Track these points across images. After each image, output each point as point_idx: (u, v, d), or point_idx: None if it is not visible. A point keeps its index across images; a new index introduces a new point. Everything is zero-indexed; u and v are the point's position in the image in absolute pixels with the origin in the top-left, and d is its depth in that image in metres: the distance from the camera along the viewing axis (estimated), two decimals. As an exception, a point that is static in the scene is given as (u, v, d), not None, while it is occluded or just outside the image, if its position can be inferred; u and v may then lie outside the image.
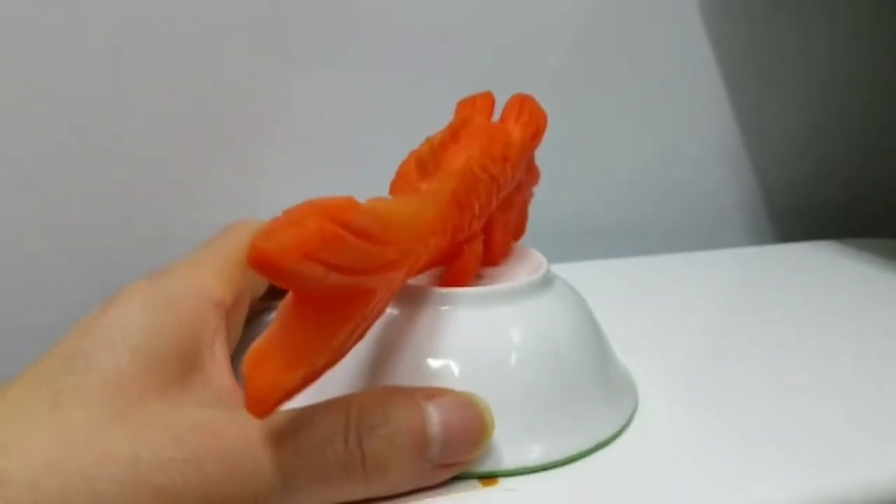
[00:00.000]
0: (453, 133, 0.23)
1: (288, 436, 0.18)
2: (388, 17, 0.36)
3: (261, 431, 0.18)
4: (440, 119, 0.24)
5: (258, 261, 0.15)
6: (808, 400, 0.25)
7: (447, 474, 0.20)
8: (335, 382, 0.20)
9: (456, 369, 0.21)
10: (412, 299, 0.22)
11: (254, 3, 0.34)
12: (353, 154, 0.36)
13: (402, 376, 0.21)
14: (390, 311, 0.22)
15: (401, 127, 0.28)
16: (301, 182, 0.36)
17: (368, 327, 0.19)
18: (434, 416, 0.19)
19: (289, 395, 0.16)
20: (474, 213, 0.23)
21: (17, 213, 0.33)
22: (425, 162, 0.22)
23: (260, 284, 0.25)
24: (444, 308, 0.22)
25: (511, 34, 0.38)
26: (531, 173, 0.28)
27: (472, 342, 0.22)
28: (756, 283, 0.39)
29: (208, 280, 0.22)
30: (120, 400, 0.18)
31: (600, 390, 0.23)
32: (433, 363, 0.21)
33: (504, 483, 0.21)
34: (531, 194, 0.29)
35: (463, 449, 0.20)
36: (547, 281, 0.24)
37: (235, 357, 0.23)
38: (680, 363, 0.28)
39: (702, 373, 0.27)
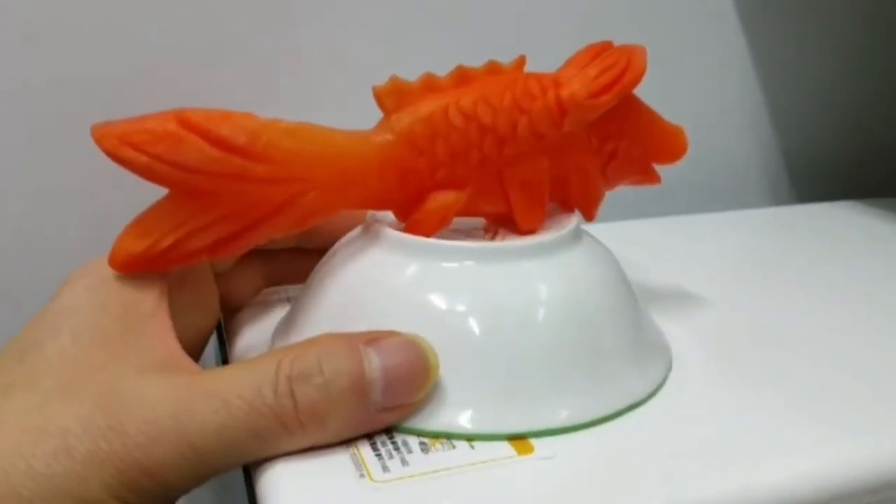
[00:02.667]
0: (461, 76, 0.22)
1: (216, 392, 0.18)
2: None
3: (189, 391, 0.18)
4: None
5: (93, 137, 0.19)
6: (840, 360, 0.25)
7: (392, 418, 0.20)
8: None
9: (477, 327, 0.21)
10: (427, 253, 0.21)
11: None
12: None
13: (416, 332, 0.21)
14: (400, 262, 0.22)
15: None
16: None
17: (248, 240, 0.21)
18: (374, 359, 0.19)
19: (132, 260, 0.20)
20: (439, 160, 0.21)
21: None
22: (393, 97, 0.21)
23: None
24: (466, 263, 0.21)
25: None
26: (624, 139, 0.23)
27: (496, 298, 0.21)
28: (780, 244, 0.39)
29: None
30: (64, 380, 0.18)
31: (632, 348, 0.23)
32: (450, 320, 0.21)
33: (538, 449, 0.20)
34: (632, 165, 0.24)
35: (406, 391, 0.20)
36: (575, 236, 0.23)
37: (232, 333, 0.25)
38: (710, 324, 0.27)
39: (732, 334, 0.27)
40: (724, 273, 0.34)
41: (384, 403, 0.19)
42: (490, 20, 0.38)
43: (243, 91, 0.34)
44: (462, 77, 0.22)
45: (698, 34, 0.43)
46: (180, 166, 0.19)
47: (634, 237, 0.35)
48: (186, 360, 0.20)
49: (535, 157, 0.22)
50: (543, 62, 0.23)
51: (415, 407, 0.20)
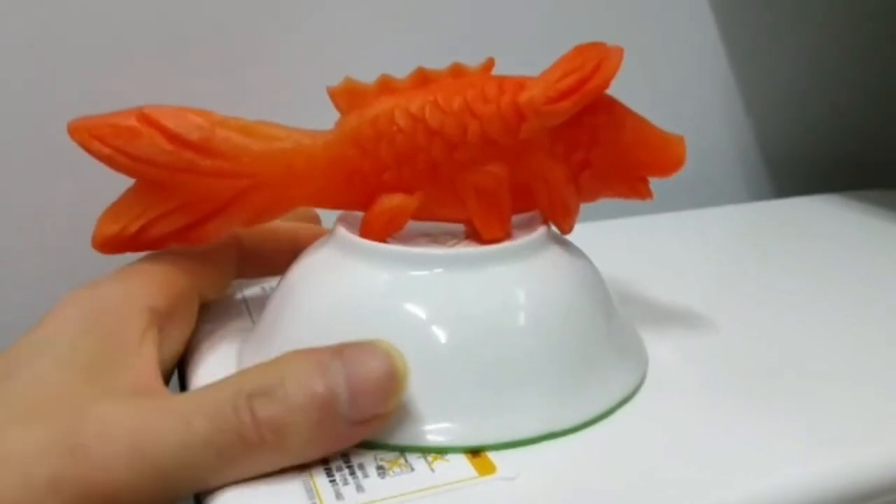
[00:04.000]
0: (420, 78, 0.21)
1: (178, 411, 0.18)
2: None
3: (151, 411, 0.18)
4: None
5: (68, 130, 0.21)
6: (819, 356, 0.25)
7: (364, 432, 0.19)
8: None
9: (446, 336, 0.20)
10: (395, 262, 0.21)
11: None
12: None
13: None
14: (367, 271, 0.21)
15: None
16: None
17: (208, 231, 0.22)
18: (338, 371, 0.18)
19: (107, 241, 0.22)
20: (385, 162, 0.21)
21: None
22: (347, 98, 0.21)
23: (211, 286, 0.24)
24: (436, 270, 0.21)
25: None
26: (597, 147, 0.21)
27: (466, 306, 0.20)
28: (758, 239, 0.39)
29: (143, 288, 0.21)
30: (33, 405, 0.18)
31: (605, 354, 0.22)
32: (421, 330, 0.20)
33: (501, 469, 0.19)
34: (612, 177, 0.22)
35: (375, 401, 0.19)
36: (546, 241, 0.22)
37: (192, 358, 0.24)
38: (687, 322, 0.27)
39: (710, 332, 0.26)
40: (704, 271, 0.34)
41: (353, 416, 0.18)
42: (462, 19, 0.37)
43: (221, 91, 0.33)
44: (422, 79, 0.22)
45: (672, 28, 0.42)
46: (137, 158, 0.21)
47: (611, 236, 0.34)
48: (161, 389, 0.20)
49: (490, 163, 0.21)
50: (525, 62, 0.22)
51: (388, 419, 0.19)
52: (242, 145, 0.21)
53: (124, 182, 0.22)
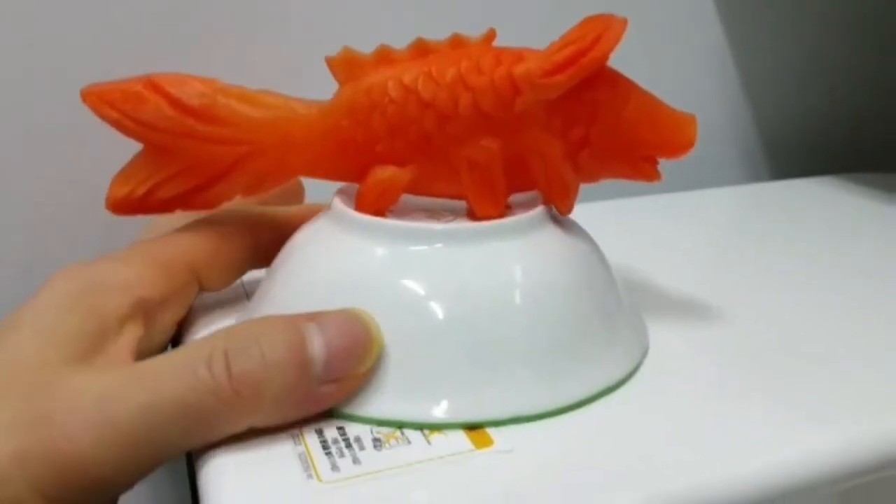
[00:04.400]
0: (419, 49, 0.21)
1: (147, 374, 0.18)
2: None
3: (119, 376, 0.18)
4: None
5: (81, 95, 0.22)
6: (817, 338, 0.25)
7: (335, 393, 0.19)
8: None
9: (444, 312, 0.20)
10: (394, 236, 0.21)
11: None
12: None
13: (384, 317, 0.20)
14: (365, 245, 0.21)
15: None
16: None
17: (210, 196, 0.23)
18: (314, 333, 0.19)
19: (118, 203, 0.23)
20: (376, 132, 0.21)
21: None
22: (345, 68, 0.21)
23: (217, 278, 0.24)
24: (436, 245, 0.21)
25: None
26: (597, 124, 0.20)
27: (465, 281, 0.20)
28: (756, 221, 0.38)
29: (137, 275, 0.21)
30: (10, 373, 0.18)
31: (606, 332, 0.22)
32: (419, 305, 0.20)
33: (498, 442, 0.19)
34: (614, 156, 0.21)
35: (348, 363, 0.19)
36: (547, 217, 0.22)
37: (186, 333, 0.23)
38: (686, 304, 0.27)
39: (708, 314, 0.26)
40: (702, 253, 0.33)
41: (326, 376, 0.19)
42: None
43: (227, 61, 0.32)
44: (421, 50, 0.21)
45: (671, 10, 0.42)
46: (143, 123, 0.21)
47: (607, 217, 0.33)
48: (135, 364, 0.20)
49: (483, 137, 0.21)
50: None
51: (359, 381, 0.19)
52: (241, 112, 0.21)
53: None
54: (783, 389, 0.21)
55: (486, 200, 0.21)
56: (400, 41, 0.22)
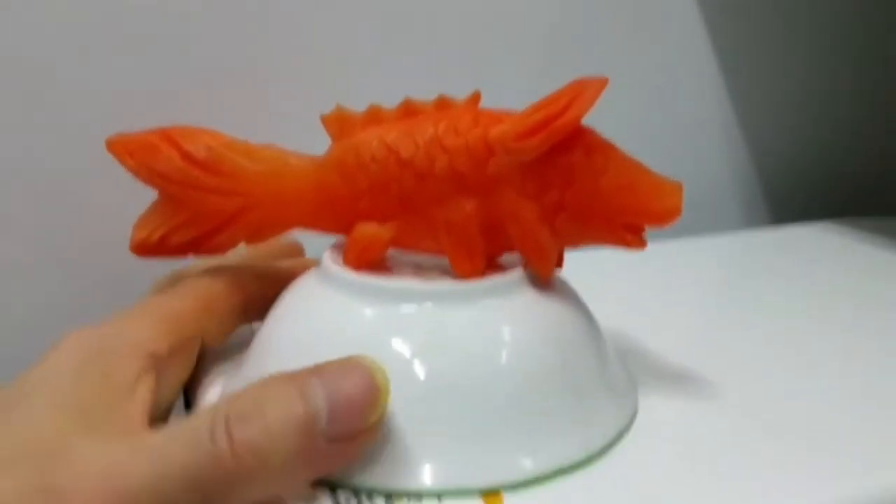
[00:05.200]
0: (407, 109, 0.22)
1: (153, 445, 0.18)
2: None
3: (127, 447, 0.18)
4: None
5: (106, 144, 0.24)
6: (814, 395, 0.24)
7: (345, 451, 0.19)
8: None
9: (440, 374, 0.20)
10: (383, 296, 0.21)
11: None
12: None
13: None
14: (355, 305, 0.21)
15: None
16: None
17: (216, 243, 0.24)
18: (317, 389, 0.18)
19: (137, 246, 0.24)
20: (360, 189, 0.22)
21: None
22: (337, 125, 0.22)
23: (217, 329, 0.24)
24: (425, 305, 0.21)
25: (499, 9, 0.37)
26: (571, 189, 0.20)
27: (457, 342, 0.20)
28: (755, 268, 0.38)
29: (145, 330, 0.21)
30: (17, 446, 0.18)
31: (597, 392, 0.22)
32: (413, 368, 0.20)
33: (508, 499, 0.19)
34: (591, 222, 0.20)
35: (355, 418, 0.18)
36: (527, 278, 0.22)
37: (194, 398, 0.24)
38: (680, 357, 0.26)
39: (703, 368, 0.26)
40: (697, 305, 0.33)
41: (332, 433, 0.18)
42: (464, 48, 0.38)
43: (244, 114, 0.33)
44: (408, 110, 0.22)
45: (668, 54, 0.43)
46: (157, 173, 0.23)
47: (601, 265, 0.31)
48: (146, 432, 0.20)
49: (459, 197, 0.21)
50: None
51: (369, 436, 0.19)
52: (242, 166, 0.23)
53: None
54: (777, 453, 0.21)
55: (463, 260, 0.21)
56: (396, 97, 0.23)
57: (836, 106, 0.49)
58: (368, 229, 0.22)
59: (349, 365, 0.19)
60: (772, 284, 0.35)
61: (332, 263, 0.22)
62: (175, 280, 0.25)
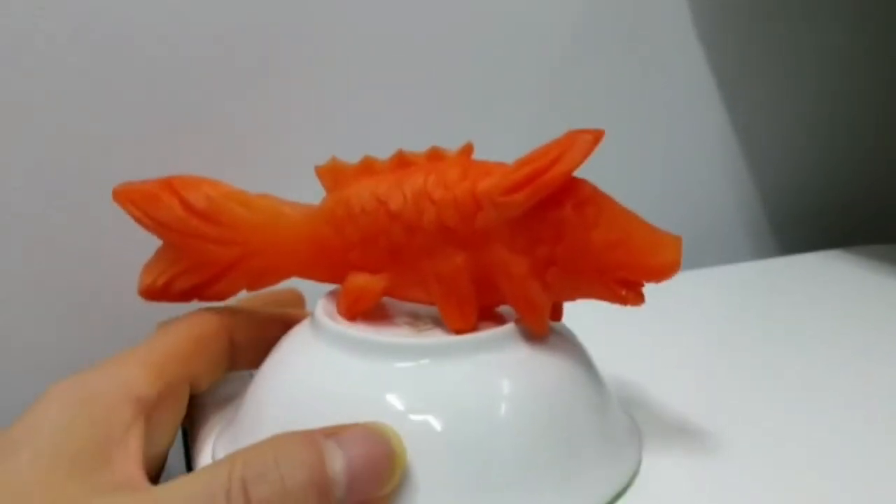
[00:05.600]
0: (400, 161, 0.21)
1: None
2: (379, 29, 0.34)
3: None
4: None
5: (112, 194, 0.24)
6: (835, 432, 0.24)
7: None
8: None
9: (439, 432, 0.19)
10: (377, 352, 0.21)
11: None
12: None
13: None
14: (349, 361, 0.21)
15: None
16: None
17: (215, 290, 0.24)
18: (335, 452, 0.18)
19: (144, 291, 0.25)
20: (351, 240, 0.21)
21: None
22: (331, 176, 0.22)
23: (205, 373, 0.24)
24: (422, 362, 0.20)
25: (498, 54, 0.38)
26: (561, 243, 0.19)
27: (455, 399, 0.20)
28: (763, 299, 0.38)
29: (132, 375, 0.21)
30: (9, 500, 0.17)
31: (593, 447, 0.21)
32: (410, 426, 0.19)
33: None
34: (582, 276, 0.20)
35: (373, 484, 0.18)
36: (523, 328, 0.21)
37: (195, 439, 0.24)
38: (687, 400, 0.26)
39: (710, 411, 0.25)
40: (704, 340, 0.33)
41: (349, 499, 0.18)
42: (464, 98, 0.37)
43: (244, 164, 0.33)
44: (401, 162, 0.22)
45: (673, 88, 0.43)
46: (158, 222, 0.23)
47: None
48: (144, 483, 0.19)
49: (448, 250, 0.20)
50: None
51: (384, 502, 0.19)
52: (240, 216, 0.23)
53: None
54: (801, 495, 0.21)
55: (454, 313, 0.21)
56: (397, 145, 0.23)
57: (840, 135, 0.49)
58: (360, 280, 0.22)
59: (367, 430, 0.18)
60: (781, 315, 0.35)
61: (323, 315, 0.22)
62: (162, 326, 0.24)
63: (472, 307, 0.21)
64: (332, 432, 0.18)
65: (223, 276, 0.24)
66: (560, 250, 0.20)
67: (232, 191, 0.23)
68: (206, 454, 0.23)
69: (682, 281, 0.37)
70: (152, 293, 0.25)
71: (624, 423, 0.23)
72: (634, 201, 0.44)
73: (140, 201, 0.24)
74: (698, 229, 0.46)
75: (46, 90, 0.30)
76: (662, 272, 0.19)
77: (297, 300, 0.28)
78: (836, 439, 0.24)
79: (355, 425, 0.19)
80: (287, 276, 0.24)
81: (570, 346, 0.22)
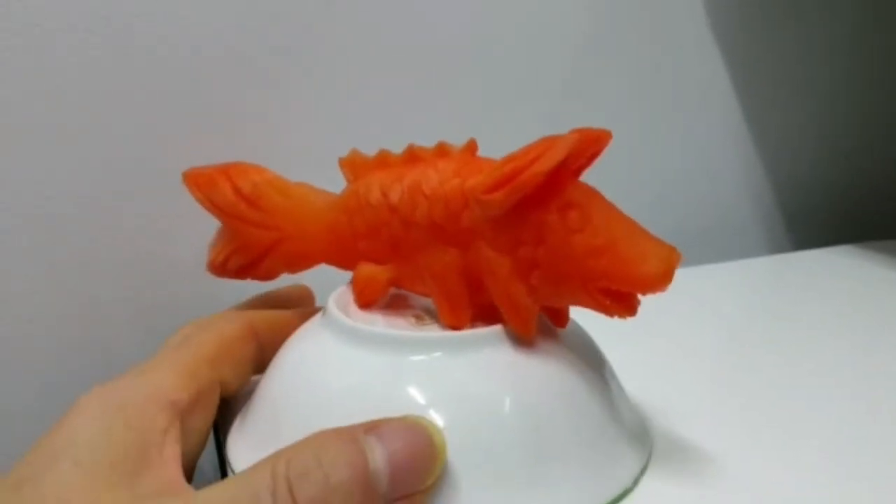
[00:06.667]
0: (410, 155, 0.22)
1: None
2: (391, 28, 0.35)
3: None
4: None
5: (183, 179, 0.27)
6: (839, 438, 0.23)
7: None
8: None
9: (457, 424, 0.19)
10: (391, 346, 0.21)
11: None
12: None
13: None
14: (363, 356, 0.21)
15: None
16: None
17: (261, 270, 0.26)
18: (376, 448, 0.18)
19: (209, 265, 0.27)
20: (358, 231, 0.22)
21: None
22: (350, 168, 0.23)
23: (234, 376, 0.24)
24: (434, 355, 0.20)
25: (512, 50, 0.38)
26: (542, 246, 0.19)
27: (469, 390, 0.20)
28: (778, 294, 0.37)
29: (165, 379, 0.21)
30: None
31: (610, 439, 0.21)
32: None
33: None
34: (566, 282, 0.19)
35: (415, 478, 0.18)
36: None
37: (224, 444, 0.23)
38: (700, 395, 0.26)
39: (722, 408, 0.25)
40: (717, 334, 0.32)
41: (392, 494, 0.18)
42: (470, 95, 0.38)
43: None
44: (412, 156, 0.22)
45: (687, 83, 0.43)
46: (214, 204, 0.26)
47: None
48: (185, 488, 0.19)
49: (439, 246, 0.20)
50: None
51: (425, 496, 0.19)
52: (277, 202, 0.24)
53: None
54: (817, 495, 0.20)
55: (446, 309, 0.21)
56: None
57: (853, 130, 0.50)
58: (367, 270, 0.22)
59: (407, 424, 0.18)
60: (793, 310, 0.34)
61: (338, 313, 0.22)
62: (189, 331, 0.25)
63: (463, 304, 0.21)
64: (371, 427, 0.18)
65: (265, 258, 0.25)
66: (542, 253, 0.19)
67: (274, 178, 0.25)
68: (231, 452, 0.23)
69: (695, 276, 0.39)
70: (215, 268, 0.27)
71: (633, 421, 0.22)
72: (648, 197, 0.44)
73: (202, 185, 0.26)
74: (712, 224, 0.47)
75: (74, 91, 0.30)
76: (647, 284, 0.18)
77: (307, 296, 0.28)
78: (849, 435, 0.23)
79: (393, 419, 0.18)
80: (317, 261, 0.25)
81: (580, 343, 0.22)
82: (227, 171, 0.26)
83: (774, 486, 0.21)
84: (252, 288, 0.27)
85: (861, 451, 0.22)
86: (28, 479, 0.18)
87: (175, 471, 0.19)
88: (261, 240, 0.25)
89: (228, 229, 0.26)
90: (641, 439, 0.22)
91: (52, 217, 0.31)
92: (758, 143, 0.47)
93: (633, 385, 0.25)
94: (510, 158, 0.19)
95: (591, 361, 0.22)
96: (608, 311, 0.19)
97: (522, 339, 0.20)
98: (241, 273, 0.27)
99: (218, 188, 0.25)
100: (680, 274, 0.36)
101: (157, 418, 0.20)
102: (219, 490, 0.17)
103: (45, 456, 0.18)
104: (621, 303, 0.19)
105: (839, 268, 0.40)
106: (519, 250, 0.19)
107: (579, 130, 0.18)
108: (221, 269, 0.27)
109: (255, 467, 0.18)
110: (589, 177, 0.28)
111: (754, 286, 0.39)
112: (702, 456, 0.22)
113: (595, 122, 0.39)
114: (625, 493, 0.20)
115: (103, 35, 0.30)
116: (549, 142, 0.18)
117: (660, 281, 0.18)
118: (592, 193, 0.19)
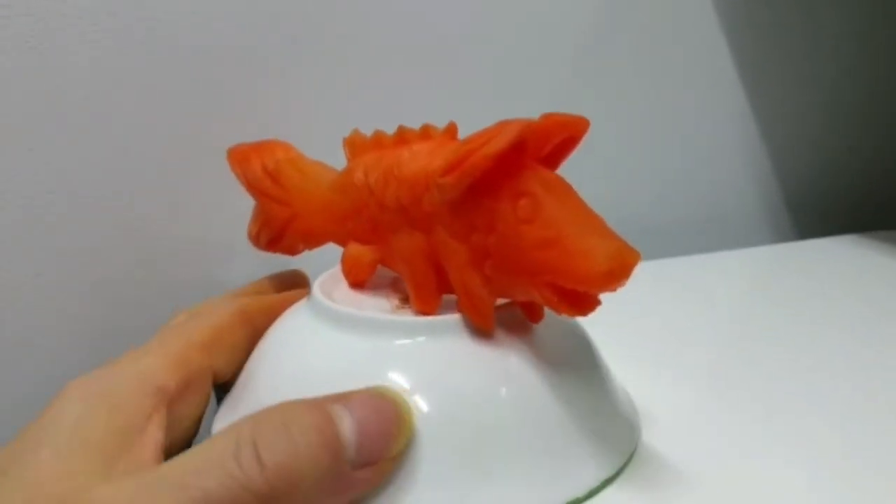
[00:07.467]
0: (400, 136, 0.22)
1: (173, 479, 0.17)
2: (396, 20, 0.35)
3: (145, 484, 0.17)
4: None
5: (227, 155, 0.28)
6: (841, 426, 0.23)
7: (371, 478, 0.18)
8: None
9: (439, 407, 0.19)
10: (373, 330, 0.20)
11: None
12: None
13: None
14: (347, 340, 0.21)
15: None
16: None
17: (285, 243, 0.27)
18: (343, 415, 0.18)
19: (249, 236, 0.29)
20: (347, 211, 0.22)
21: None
22: (350, 148, 0.23)
23: (227, 363, 0.23)
24: (418, 339, 0.20)
25: (517, 41, 0.39)
26: (492, 235, 0.18)
27: (453, 375, 0.20)
28: (778, 285, 0.37)
29: (152, 365, 0.21)
30: (35, 495, 0.17)
31: (595, 425, 0.21)
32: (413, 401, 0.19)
33: None
34: (515, 274, 0.18)
35: (382, 445, 0.18)
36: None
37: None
38: (698, 385, 0.26)
39: (723, 395, 0.25)
40: (723, 321, 0.32)
41: (359, 460, 0.18)
42: (483, 65, 0.38)
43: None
44: (401, 137, 0.22)
45: (693, 74, 0.44)
46: (247, 179, 0.27)
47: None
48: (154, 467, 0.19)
49: (407, 230, 0.20)
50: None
51: (394, 464, 0.19)
52: (293, 180, 0.25)
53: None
54: (807, 479, 0.20)
55: (415, 293, 0.21)
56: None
57: (858, 121, 0.50)
58: (353, 250, 0.23)
59: (373, 393, 0.19)
60: (797, 298, 0.34)
61: (322, 298, 0.22)
62: (182, 318, 0.25)
63: (431, 289, 0.20)
64: (339, 398, 0.18)
65: (284, 233, 0.26)
66: (492, 242, 0.18)
67: (296, 156, 0.26)
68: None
69: (700, 263, 0.38)
70: (252, 241, 0.29)
71: (623, 405, 0.22)
72: (655, 187, 0.44)
73: (240, 161, 0.27)
74: (718, 213, 0.47)
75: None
76: (591, 281, 0.16)
77: (302, 281, 0.29)
78: (850, 422, 0.23)
79: (359, 390, 0.19)
80: (326, 238, 0.25)
81: (570, 331, 0.21)
82: (259, 148, 0.27)
83: (774, 484, 0.20)
84: (261, 273, 0.29)
85: (863, 435, 0.22)
86: (12, 464, 0.18)
87: (151, 454, 0.19)
88: (279, 215, 0.26)
89: (258, 204, 0.28)
90: (632, 420, 0.22)
91: (52, 212, 0.33)
92: (763, 133, 0.47)
93: (631, 375, 0.24)
94: (467, 140, 0.18)
95: (580, 351, 0.21)
96: (556, 309, 0.18)
97: (479, 331, 0.20)
98: (270, 246, 0.28)
99: (250, 164, 0.27)
100: (684, 262, 0.36)
101: (142, 403, 0.20)
102: (181, 460, 0.17)
103: (30, 441, 0.18)
104: (573, 301, 0.17)
105: (842, 257, 0.40)
106: (472, 237, 0.18)
107: (545, 115, 0.17)
108: (256, 241, 0.28)
109: (218, 435, 0.17)
110: (596, 165, 0.27)
111: (757, 275, 0.39)
112: (695, 447, 0.22)
113: (602, 112, 0.40)
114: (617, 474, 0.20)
115: (108, 28, 0.32)
116: (501, 125, 0.17)
117: (606, 279, 0.16)
118: (554, 184, 0.18)
